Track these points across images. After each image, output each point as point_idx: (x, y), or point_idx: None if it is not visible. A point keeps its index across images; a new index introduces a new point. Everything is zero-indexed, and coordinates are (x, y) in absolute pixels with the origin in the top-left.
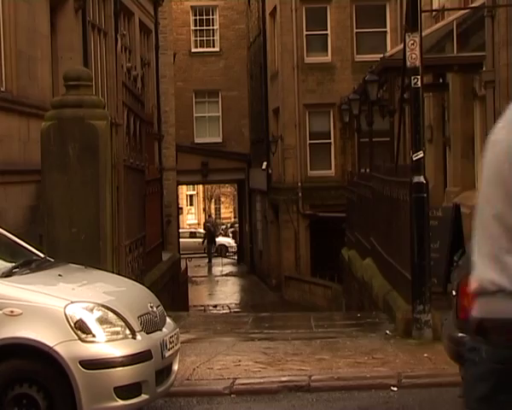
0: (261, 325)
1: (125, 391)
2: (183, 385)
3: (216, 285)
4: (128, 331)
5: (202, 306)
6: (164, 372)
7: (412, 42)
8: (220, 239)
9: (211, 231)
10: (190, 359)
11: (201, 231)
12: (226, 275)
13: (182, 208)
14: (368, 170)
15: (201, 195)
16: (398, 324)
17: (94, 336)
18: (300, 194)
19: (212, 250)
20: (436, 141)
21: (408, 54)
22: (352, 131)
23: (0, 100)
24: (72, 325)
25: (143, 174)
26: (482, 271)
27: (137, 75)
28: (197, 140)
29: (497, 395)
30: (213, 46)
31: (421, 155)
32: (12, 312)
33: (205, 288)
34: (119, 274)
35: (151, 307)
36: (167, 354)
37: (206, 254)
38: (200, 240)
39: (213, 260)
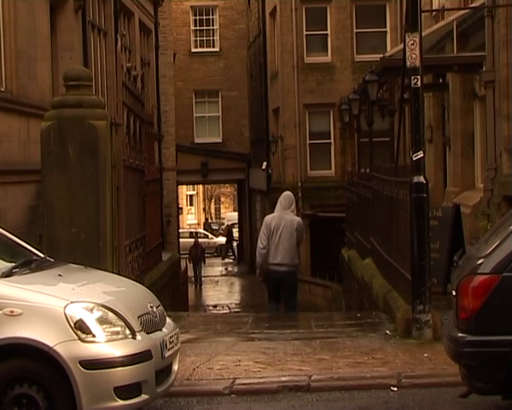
0: (261, 325)
1: (124, 391)
2: (183, 385)
3: (216, 285)
4: (128, 331)
5: (202, 306)
6: (164, 372)
7: (412, 42)
8: (220, 239)
9: (198, 253)
10: (190, 359)
11: (201, 230)
12: (226, 275)
13: (182, 208)
14: (368, 170)
15: (201, 195)
16: (397, 324)
17: (94, 336)
18: (300, 194)
19: (199, 274)
20: (436, 141)
21: (408, 54)
22: (352, 131)
23: (0, 100)
24: (72, 325)
25: (143, 174)
26: None
27: (137, 75)
28: (197, 140)
29: None
30: (213, 46)
31: (421, 155)
32: (12, 312)
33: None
34: (119, 274)
35: (151, 307)
36: (167, 354)
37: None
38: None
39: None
